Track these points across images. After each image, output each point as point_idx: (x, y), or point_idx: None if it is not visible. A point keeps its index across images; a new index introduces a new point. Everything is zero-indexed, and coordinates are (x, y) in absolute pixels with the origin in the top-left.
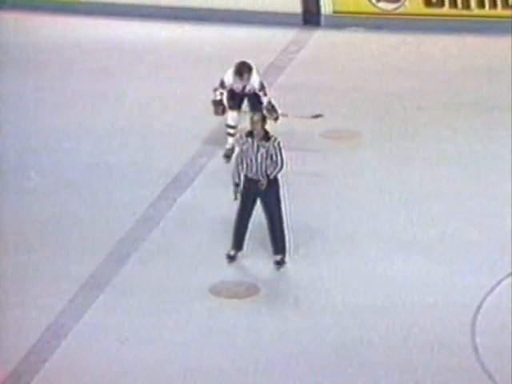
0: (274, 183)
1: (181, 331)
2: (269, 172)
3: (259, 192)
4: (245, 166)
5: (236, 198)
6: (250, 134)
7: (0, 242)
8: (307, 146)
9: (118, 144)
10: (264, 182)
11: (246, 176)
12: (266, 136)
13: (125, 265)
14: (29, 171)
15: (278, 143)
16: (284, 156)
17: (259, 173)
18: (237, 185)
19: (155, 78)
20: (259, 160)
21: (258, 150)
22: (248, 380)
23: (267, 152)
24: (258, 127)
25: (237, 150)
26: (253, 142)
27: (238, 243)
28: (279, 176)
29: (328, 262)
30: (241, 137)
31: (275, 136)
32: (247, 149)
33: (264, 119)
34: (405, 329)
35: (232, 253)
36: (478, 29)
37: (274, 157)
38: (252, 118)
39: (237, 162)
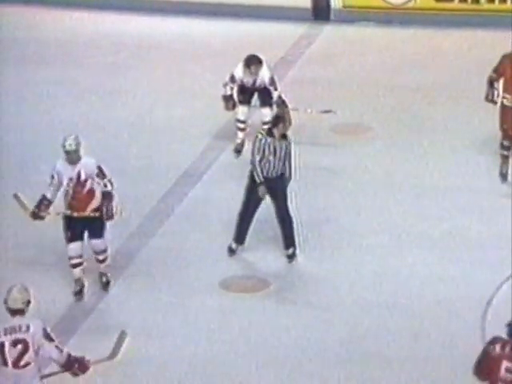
0: (281, 179)
1: (191, 326)
2: (285, 172)
3: (268, 187)
4: (264, 164)
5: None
6: (270, 133)
7: (2, 239)
8: (318, 140)
9: (128, 138)
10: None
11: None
12: (284, 135)
13: (135, 259)
14: (36, 166)
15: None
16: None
17: (273, 173)
18: (261, 183)
19: (165, 72)
20: (276, 161)
21: (275, 151)
22: (258, 374)
23: (284, 152)
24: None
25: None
26: (273, 142)
27: (241, 237)
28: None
29: (338, 256)
30: (262, 135)
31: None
32: (267, 148)
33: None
34: (414, 323)
35: (234, 246)
36: (488, 23)
37: (286, 159)
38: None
39: (254, 160)
